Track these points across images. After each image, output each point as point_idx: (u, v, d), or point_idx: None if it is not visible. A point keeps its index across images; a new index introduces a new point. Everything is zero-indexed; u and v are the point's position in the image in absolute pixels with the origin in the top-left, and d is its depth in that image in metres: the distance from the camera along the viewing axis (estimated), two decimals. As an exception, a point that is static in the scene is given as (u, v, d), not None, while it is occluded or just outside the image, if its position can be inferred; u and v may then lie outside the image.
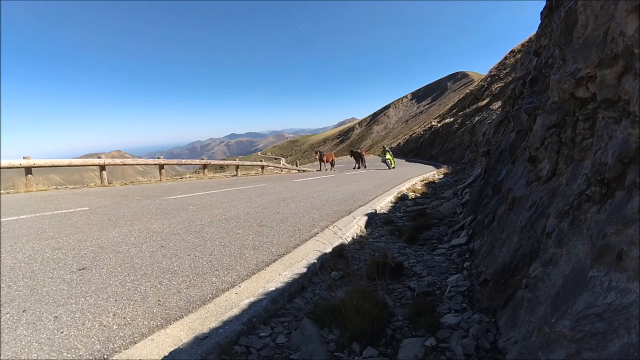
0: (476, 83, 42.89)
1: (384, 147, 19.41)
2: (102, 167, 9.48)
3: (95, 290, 2.02)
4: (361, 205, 5.05)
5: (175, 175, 14.07)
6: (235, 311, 1.74)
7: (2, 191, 7.35)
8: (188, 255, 2.65)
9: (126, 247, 2.86)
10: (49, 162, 8.49)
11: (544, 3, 2.76)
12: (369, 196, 6.09)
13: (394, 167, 16.74)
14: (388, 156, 17.12)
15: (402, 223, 4.13)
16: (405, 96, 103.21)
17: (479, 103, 27.50)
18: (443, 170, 12.95)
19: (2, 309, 1.77)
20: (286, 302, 1.98)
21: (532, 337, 1.18)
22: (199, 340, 1.47)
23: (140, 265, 2.43)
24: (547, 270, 1.29)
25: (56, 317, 1.70)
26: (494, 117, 12.74)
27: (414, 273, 2.43)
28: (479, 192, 3.48)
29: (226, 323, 1.62)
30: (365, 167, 18.37)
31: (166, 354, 1.39)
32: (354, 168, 17.78)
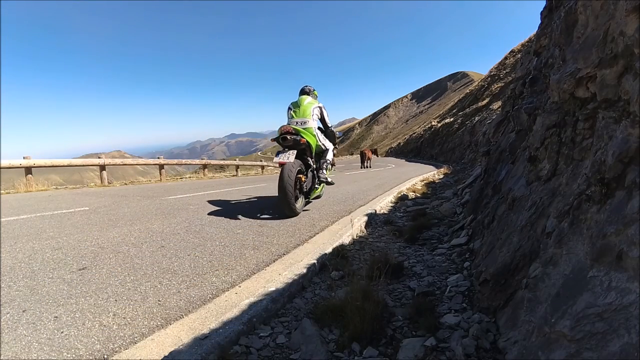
0: (476, 83, 42.90)
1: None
2: (102, 167, 9.48)
3: (96, 290, 2.02)
4: (361, 205, 5.05)
5: (176, 175, 14.09)
6: (235, 311, 1.74)
7: (2, 191, 7.35)
8: (188, 255, 2.65)
9: (126, 247, 2.86)
10: (49, 162, 8.49)
11: (544, 3, 2.77)
12: (369, 196, 6.09)
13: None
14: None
15: (402, 223, 4.12)
16: (405, 96, 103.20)
17: (479, 103, 27.50)
18: (443, 170, 12.95)
19: (2, 309, 1.77)
20: (286, 302, 1.98)
21: (532, 337, 1.18)
22: (199, 340, 1.47)
23: (141, 265, 2.43)
24: (547, 270, 1.29)
25: (56, 317, 1.70)
26: (494, 117, 12.74)
27: (414, 273, 2.43)
28: (479, 192, 3.48)
29: (226, 323, 1.62)
30: (369, 166, 18.19)
31: (166, 353, 1.39)
32: (361, 167, 17.62)
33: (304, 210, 4.46)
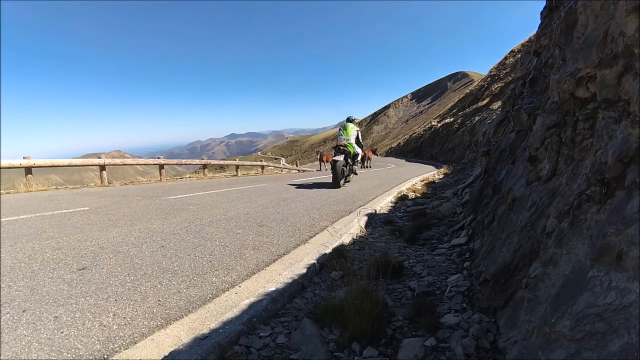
0: (476, 83, 42.87)
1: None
2: (102, 167, 9.48)
3: (96, 290, 2.02)
4: (361, 205, 5.05)
5: (175, 175, 14.07)
6: (235, 311, 1.74)
7: (2, 191, 7.35)
8: (188, 255, 2.66)
9: (126, 247, 2.86)
10: (49, 162, 8.49)
11: (544, 3, 2.76)
12: (369, 196, 6.09)
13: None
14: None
15: (402, 223, 4.12)
16: (405, 96, 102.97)
17: (479, 103, 27.50)
18: (443, 170, 12.95)
19: (2, 309, 1.77)
20: (286, 302, 1.98)
21: (532, 337, 1.18)
22: (199, 340, 1.47)
23: (140, 265, 2.43)
24: (547, 270, 1.29)
25: (56, 317, 1.70)
26: (494, 117, 12.73)
27: (414, 273, 2.43)
28: (479, 192, 3.48)
29: (226, 323, 1.62)
30: (369, 166, 18.35)
31: (166, 353, 1.39)
32: (361, 167, 17.71)
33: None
